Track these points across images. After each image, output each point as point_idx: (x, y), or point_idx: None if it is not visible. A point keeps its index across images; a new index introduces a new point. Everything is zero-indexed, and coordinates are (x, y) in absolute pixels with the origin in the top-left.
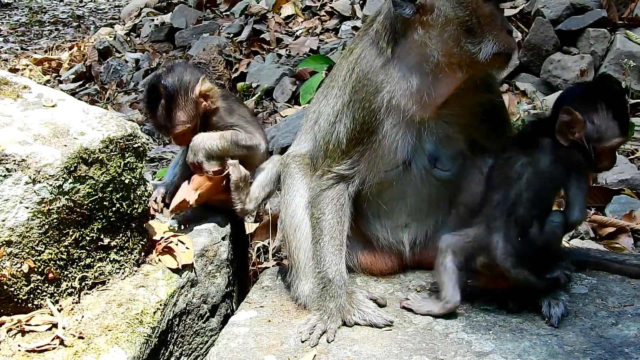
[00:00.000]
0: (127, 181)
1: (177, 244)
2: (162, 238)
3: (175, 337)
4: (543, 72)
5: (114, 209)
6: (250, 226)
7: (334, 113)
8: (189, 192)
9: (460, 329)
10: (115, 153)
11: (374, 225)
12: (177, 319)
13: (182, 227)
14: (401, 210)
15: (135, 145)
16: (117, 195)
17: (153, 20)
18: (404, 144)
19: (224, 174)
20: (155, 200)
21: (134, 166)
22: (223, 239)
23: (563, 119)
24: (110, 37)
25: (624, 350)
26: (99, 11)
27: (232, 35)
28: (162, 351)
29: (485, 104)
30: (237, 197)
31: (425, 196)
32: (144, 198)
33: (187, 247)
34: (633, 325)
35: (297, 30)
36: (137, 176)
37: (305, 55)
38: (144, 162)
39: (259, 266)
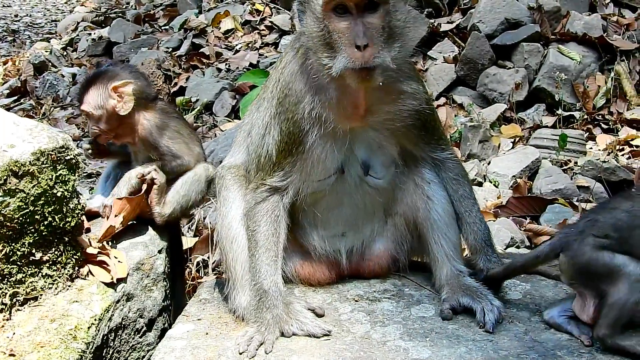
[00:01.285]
0: (59, 194)
1: (111, 258)
2: (96, 252)
3: (111, 352)
4: (479, 85)
5: (45, 222)
6: (189, 240)
7: (264, 125)
8: (112, 218)
9: (398, 337)
10: (47, 165)
11: (310, 235)
12: (113, 334)
13: (114, 241)
14: (337, 220)
15: (68, 158)
16: (49, 209)
17: (90, 34)
18: (333, 153)
19: (142, 192)
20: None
21: (66, 179)
22: (159, 252)
23: None
24: (46, 51)
25: (556, 354)
26: (35, 25)
27: (171, 49)
28: None
29: (411, 112)
30: (155, 203)
31: (361, 204)
32: (77, 211)
33: (119, 261)
34: None
35: (236, 45)
36: (70, 189)
37: (244, 70)
38: (76, 174)
39: (199, 280)
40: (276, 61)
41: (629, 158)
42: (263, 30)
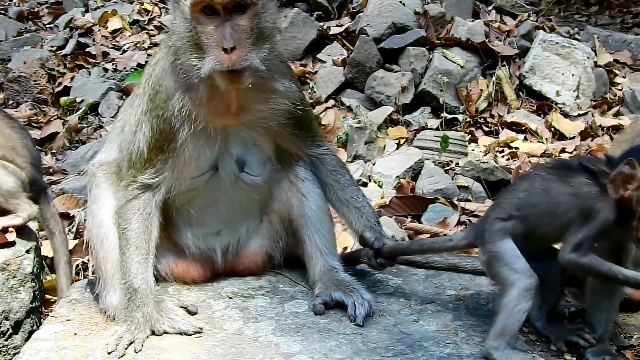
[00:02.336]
0: None
1: None
2: None
3: None
4: (367, 88)
5: None
6: (69, 243)
7: (135, 122)
8: None
9: (270, 332)
10: None
11: (185, 233)
12: None
13: None
14: (212, 217)
15: None
16: None
17: None
18: (206, 150)
19: None
20: None
21: None
22: (27, 252)
23: (623, 169)
24: None
25: (423, 345)
26: None
27: (55, 48)
28: None
29: (285, 111)
30: None
31: (236, 202)
32: None
33: None
34: (433, 321)
35: (124, 45)
36: None
37: (132, 70)
38: None
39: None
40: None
41: (508, 159)
42: (152, 30)
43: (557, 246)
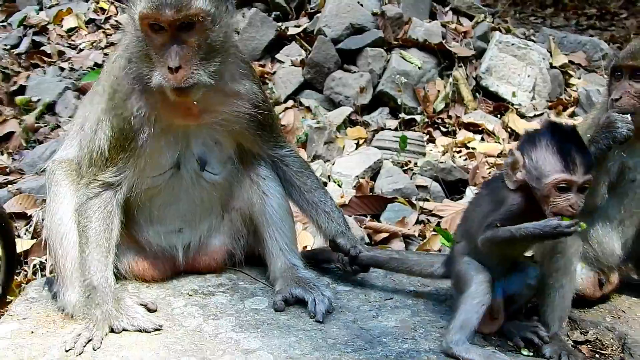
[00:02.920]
0: None
1: None
2: None
3: None
4: (326, 88)
5: None
6: (25, 242)
7: (96, 120)
8: None
9: (230, 329)
10: None
11: (146, 231)
12: None
13: None
14: (174, 215)
15: None
16: None
17: None
18: (167, 149)
19: None
20: None
21: None
22: None
23: (507, 161)
24: None
25: (382, 340)
26: None
27: (9, 47)
28: None
29: (247, 112)
30: None
31: (198, 200)
32: None
33: None
34: (391, 317)
35: (80, 44)
36: None
37: (89, 69)
38: None
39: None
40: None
41: (465, 159)
42: (108, 29)
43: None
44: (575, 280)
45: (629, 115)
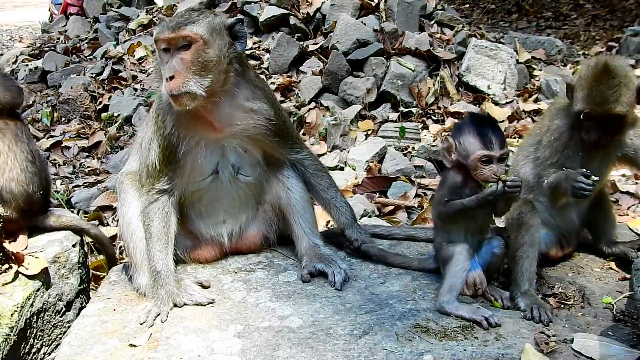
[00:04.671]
0: None
1: (30, 255)
2: (16, 251)
3: (35, 332)
4: (340, 91)
5: None
6: (113, 229)
7: (148, 139)
8: None
9: (267, 299)
10: None
11: (197, 224)
12: (35, 317)
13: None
14: (218, 210)
15: None
16: None
17: (27, 65)
18: (206, 159)
19: None
20: None
21: None
22: (74, 246)
23: (442, 145)
24: None
25: (389, 302)
26: None
27: (95, 74)
28: (22, 345)
29: (263, 125)
30: None
31: (236, 197)
32: None
33: (37, 257)
34: (396, 283)
35: (148, 69)
36: None
37: (156, 89)
38: None
39: (122, 261)
40: None
41: None
42: None
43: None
44: (540, 246)
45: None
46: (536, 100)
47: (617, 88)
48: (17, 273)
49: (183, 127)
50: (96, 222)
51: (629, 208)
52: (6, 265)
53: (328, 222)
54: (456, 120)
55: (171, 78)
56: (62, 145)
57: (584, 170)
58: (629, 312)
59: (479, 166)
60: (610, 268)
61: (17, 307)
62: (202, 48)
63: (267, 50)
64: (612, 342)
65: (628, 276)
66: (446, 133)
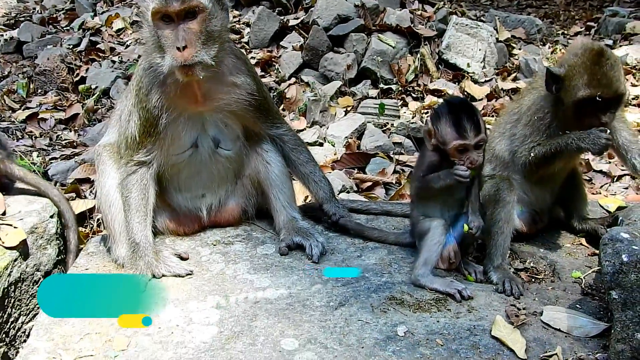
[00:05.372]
0: None
1: (8, 225)
2: None
3: (12, 301)
4: (320, 67)
5: None
6: (90, 202)
7: (128, 112)
8: None
9: (245, 271)
10: None
11: (176, 197)
12: (13, 286)
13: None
14: (197, 184)
15: None
16: None
17: (2, 35)
18: (186, 132)
19: None
20: None
21: None
22: (51, 217)
23: (424, 129)
24: None
25: (365, 275)
26: None
27: (72, 46)
28: (0, 315)
29: (244, 100)
30: None
31: (215, 171)
32: None
33: (15, 227)
34: (372, 256)
35: (127, 41)
36: None
37: (134, 61)
38: None
39: (100, 233)
40: None
41: None
42: None
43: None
44: (514, 223)
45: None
46: (515, 79)
47: (617, 69)
48: None
49: (167, 99)
50: (73, 194)
51: (601, 187)
52: None
53: (306, 197)
54: (435, 98)
55: (184, 48)
56: (39, 117)
57: (602, 127)
58: (597, 286)
59: (456, 154)
60: (581, 244)
61: None
62: (208, 18)
63: (248, 25)
64: (579, 314)
65: (597, 252)
66: (425, 111)
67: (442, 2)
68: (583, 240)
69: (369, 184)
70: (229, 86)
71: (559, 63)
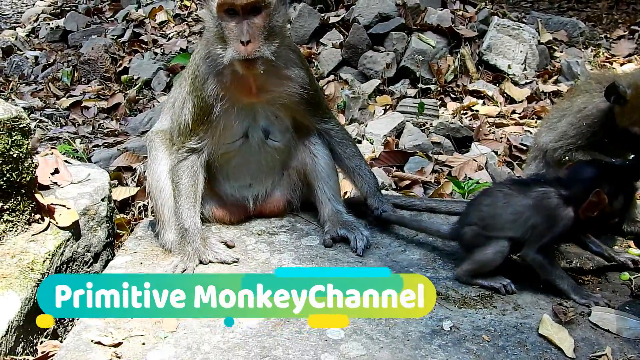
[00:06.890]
0: (15, 155)
1: (62, 206)
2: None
3: None
4: (359, 65)
5: (4, 178)
6: (131, 190)
7: (182, 99)
8: None
9: (290, 262)
10: (3, 132)
11: (224, 186)
12: (65, 265)
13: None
14: (245, 174)
15: (21, 126)
16: (7, 167)
17: (49, 24)
18: (238, 122)
19: None
20: None
21: (20, 143)
22: (102, 200)
23: (593, 199)
24: (13, 38)
25: (409, 270)
26: (4, 16)
27: (116, 37)
28: None
29: (297, 93)
30: None
31: (263, 162)
32: (31, 169)
33: (68, 208)
34: (417, 251)
35: (169, 33)
36: (24, 151)
37: (176, 53)
38: (29, 139)
39: (141, 220)
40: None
41: (470, 120)
42: (190, 22)
43: None
44: None
45: None
46: (556, 82)
47: None
48: (49, 223)
49: (223, 89)
50: (116, 181)
51: None
52: (38, 216)
53: (345, 192)
54: (474, 99)
55: (248, 42)
56: (82, 105)
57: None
58: None
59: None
60: (629, 246)
61: (49, 255)
62: (272, 13)
63: (289, 21)
64: (629, 316)
65: None
66: (464, 112)
67: (483, 3)
68: (631, 243)
69: (408, 182)
70: (283, 79)
71: (627, 80)
